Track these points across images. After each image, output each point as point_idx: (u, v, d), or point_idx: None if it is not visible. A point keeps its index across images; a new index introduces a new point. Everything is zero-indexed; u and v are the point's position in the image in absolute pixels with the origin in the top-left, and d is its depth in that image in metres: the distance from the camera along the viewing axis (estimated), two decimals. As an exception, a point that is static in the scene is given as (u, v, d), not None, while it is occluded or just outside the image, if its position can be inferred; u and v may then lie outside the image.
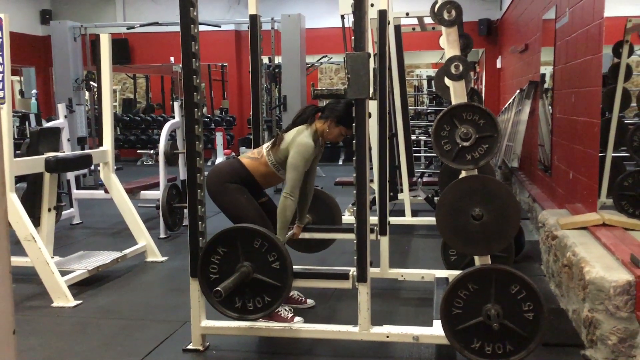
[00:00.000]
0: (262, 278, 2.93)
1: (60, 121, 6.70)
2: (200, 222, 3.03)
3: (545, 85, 6.29)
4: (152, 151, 7.04)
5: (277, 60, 10.48)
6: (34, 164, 4.37)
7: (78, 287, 4.24)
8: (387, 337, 2.98)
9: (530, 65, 7.24)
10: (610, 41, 4.50)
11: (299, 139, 3.34)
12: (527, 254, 4.83)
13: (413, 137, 8.78)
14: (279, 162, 3.40)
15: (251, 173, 3.45)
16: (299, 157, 3.30)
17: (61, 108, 6.89)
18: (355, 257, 2.93)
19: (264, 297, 2.96)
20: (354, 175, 2.88)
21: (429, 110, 11.35)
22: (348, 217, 5.78)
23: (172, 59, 12.26)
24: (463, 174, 2.83)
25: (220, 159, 11.26)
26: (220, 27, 11.72)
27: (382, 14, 3.89)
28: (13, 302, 0.97)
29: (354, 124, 2.89)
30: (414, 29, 6.61)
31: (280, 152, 3.40)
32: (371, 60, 2.83)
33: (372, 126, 4.02)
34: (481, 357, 2.77)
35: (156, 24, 11.02)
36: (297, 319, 3.46)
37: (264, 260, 2.93)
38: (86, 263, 4.49)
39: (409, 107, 7.98)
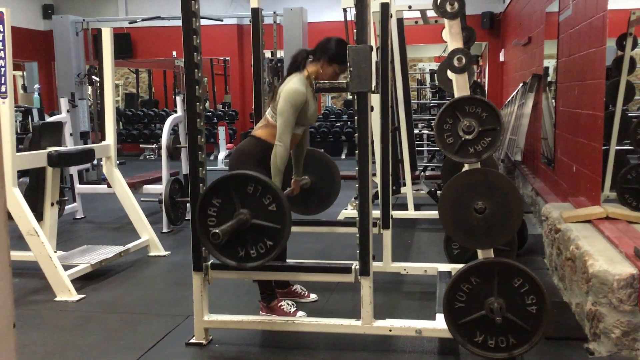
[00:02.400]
0: (261, 222, 2.87)
1: (62, 116, 6.71)
2: (202, 216, 3.02)
3: (549, 79, 6.27)
4: (154, 145, 7.06)
5: (280, 54, 10.46)
6: (36, 158, 4.37)
7: (81, 282, 4.25)
8: (390, 330, 2.99)
9: (533, 58, 7.21)
10: (614, 34, 4.47)
11: (286, 87, 3.29)
12: (530, 248, 4.82)
13: (416, 131, 8.77)
14: None
15: (267, 142, 3.34)
16: (285, 103, 3.24)
17: (64, 103, 6.89)
18: (357, 251, 2.92)
19: (265, 241, 2.90)
20: (357, 169, 2.87)
21: (431, 104, 11.33)
22: (351, 211, 5.79)
23: (174, 53, 12.24)
24: (466, 167, 2.82)
25: (223, 153, 11.28)
26: (222, 21, 11.71)
27: (385, 7, 3.88)
28: (13, 295, 0.96)
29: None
30: (416, 22, 6.59)
31: (277, 105, 3.32)
32: (373, 53, 2.82)
33: (375, 120, 4.01)
34: (484, 351, 2.77)
35: (158, 18, 11.02)
36: (299, 313, 3.46)
37: (259, 204, 2.86)
38: (89, 257, 4.50)
39: (412, 101, 7.97)
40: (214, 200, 2.91)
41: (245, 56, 13.69)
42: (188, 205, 5.52)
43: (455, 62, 2.73)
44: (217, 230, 2.75)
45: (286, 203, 2.87)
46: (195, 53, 2.92)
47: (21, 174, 4.77)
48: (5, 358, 0.96)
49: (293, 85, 3.27)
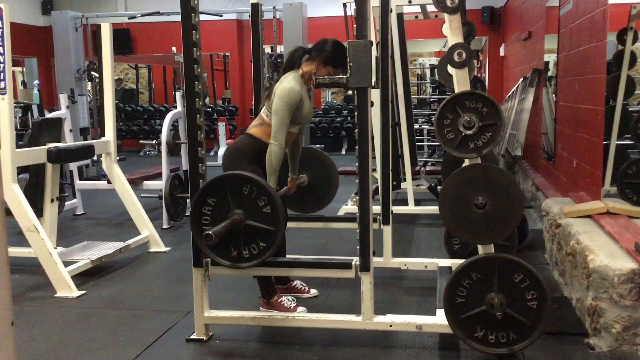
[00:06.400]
0: (255, 224, 2.89)
1: (62, 112, 6.70)
2: (202, 212, 3.01)
3: (549, 73, 6.26)
4: (154, 141, 7.05)
5: (279, 49, 10.44)
6: (36, 154, 4.37)
7: (81, 278, 4.25)
8: (390, 326, 2.98)
9: (533, 53, 7.20)
10: (614, 28, 4.46)
11: (281, 86, 3.28)
12: (530, 243, 4.82)
13: (416, 126, 8.75)
14: None
15: (262, 140, 3.35)
16: (279, 101, 3.23)
17: (63, 99, 6.88)
18: (358, 247, 2.92)
19: (258, 243, 2.92)
20: (357, 164, 2.86)
21: (432, 99, 11.30)
22: (351, 207, 5.79)
23: (173, 48, 12.22)
24: (466, 162, 2.82)
25: (223, 149, 11.27)
26: (221, 16, 11.68)
27: (384, 2, 3.85)
28: (11, 293, 0.96)
29: (342, 63, 2.89)
30: (416, 16, 6.57)
31: (271, 104, 3.32)
32: (373, 48, 2.81)
33: (375, 115, 4.00)
34: (484, 346, 2.77)
35: (157, 13, 11.00)
36: (300, 308, 3.46)
37: (254, 206, 2.88)
38: (89, 253, 4.49)
39: (412, 96, 7.95)
40: (209, 199, 2.92)
41: (245, 51, 13.67)
42: (188, 201, 5.53)
43: (456, 57, 2.72)
44: (210, 232, 2.76)
45: (281, 206, 2.89)
46: (194, 48, 2.91)
47: (21, 170, 4.77)
48: (5, 356, 0.95)
49: (288, 84, 3.27)
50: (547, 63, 6.28)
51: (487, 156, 2.96)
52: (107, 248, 4.65)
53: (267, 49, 10.41)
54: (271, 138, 3.24)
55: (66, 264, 4.15)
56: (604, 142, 3.91)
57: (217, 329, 3.26)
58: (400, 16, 5.92)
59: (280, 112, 3.22)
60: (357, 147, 2.85)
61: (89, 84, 10.95)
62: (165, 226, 5.90)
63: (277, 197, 2.89)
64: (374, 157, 3.29)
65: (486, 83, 12.18)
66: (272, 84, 3.43)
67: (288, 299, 3.50)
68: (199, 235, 2.92)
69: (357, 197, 2.91)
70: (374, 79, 2.80)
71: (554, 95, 5.67)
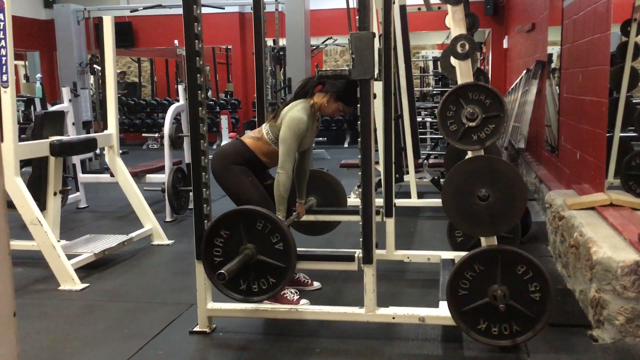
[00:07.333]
0: (266, 259, 2.93)
1: (64, 105, 6.70)
2: (205, 205, 3.02)
3: (553, 65, 6.23)
4: (157, 135, 7.06)
5: (282, 42, 10.42)
6: (39, 147, 4.37)
7: (85, 271, 4.26)
8: (393, 318, 2.99)
9: (537, 44, 7.16)
10: (618, 19, 4.44)
11: (290, 113, 3.30)
12: (533, 235, 4.82)
13: (419, 119, 8.74)
14: (276, 137, 3.35)
15: (255, 153, 3.42)
16: (288, 131, 3.26)
17: (66, 92, 6.88)
18: (360, 239, 2.92)
19: (268, 278, 2.96)
20: (360, 157, 2.86)
21: (434, 92, 11.29)
22: (354, 199, 5.78)
23: (176, 42, 12.21)
24: (469, 154, 2.81)
25: (225, 142, 11.27)
26: (224, 9, 11.65)
27: (387, -6, 3.84)
28: (13, 284, 0.96)
29: (353, 102, 2.88)
30: (419, 9, 6.55)
31: (276, 127, 3.35)
32: (376, 40, 2.80)
33: (378, 107, 3.99)
34: (487, 338, 2.77)
35: (159, 6, 10.98)
36: (303, 301, 3.46)
37: (267, 241, 2.92)
38: (92, 246, 4.50)
39: (415, 89, 7.93)
40: (222, 232, 2.95)
41: (247, 44, 13.64)
42: (191, 194, 5.53)
43: (459, 49, 2.71)
44: (224, 271, 2.77)
45: (294, 244, 2.91)
46: (196, 41, 2.90)
47: (24, 163, 4.77)
48: (7, 347, 0.96)
49: (298, 113, 3.30)
50: (550, 55, 6.26)
51: (490, 148, 2.95)
52: (110, 241, 4.66)
53: (270, 42, 10.39)
54: (278, 167, 3.28)
55: (69, 256, 4.16)
56: (608, 134, 3.89)
57: (221, 322, 3.27)
58: (403, 8, 5.89)
59: (288, 141, 3.26)
60: (359, 139, 2.84)
61: (92, 77, 10.95)
62: (168, 219, 5.91)
63: (290, 235, 2.92)
64: (376, 150, 3.29)
65: (489, 75, 12.14)
66: (279, 107, 3.44)
67: (291, 292, 3.51)
68: (212, 268, 2.97)
69: (360, 190, 2.90)
70: (376, 71, 2.79)
71: (557, 87, 5.65)
